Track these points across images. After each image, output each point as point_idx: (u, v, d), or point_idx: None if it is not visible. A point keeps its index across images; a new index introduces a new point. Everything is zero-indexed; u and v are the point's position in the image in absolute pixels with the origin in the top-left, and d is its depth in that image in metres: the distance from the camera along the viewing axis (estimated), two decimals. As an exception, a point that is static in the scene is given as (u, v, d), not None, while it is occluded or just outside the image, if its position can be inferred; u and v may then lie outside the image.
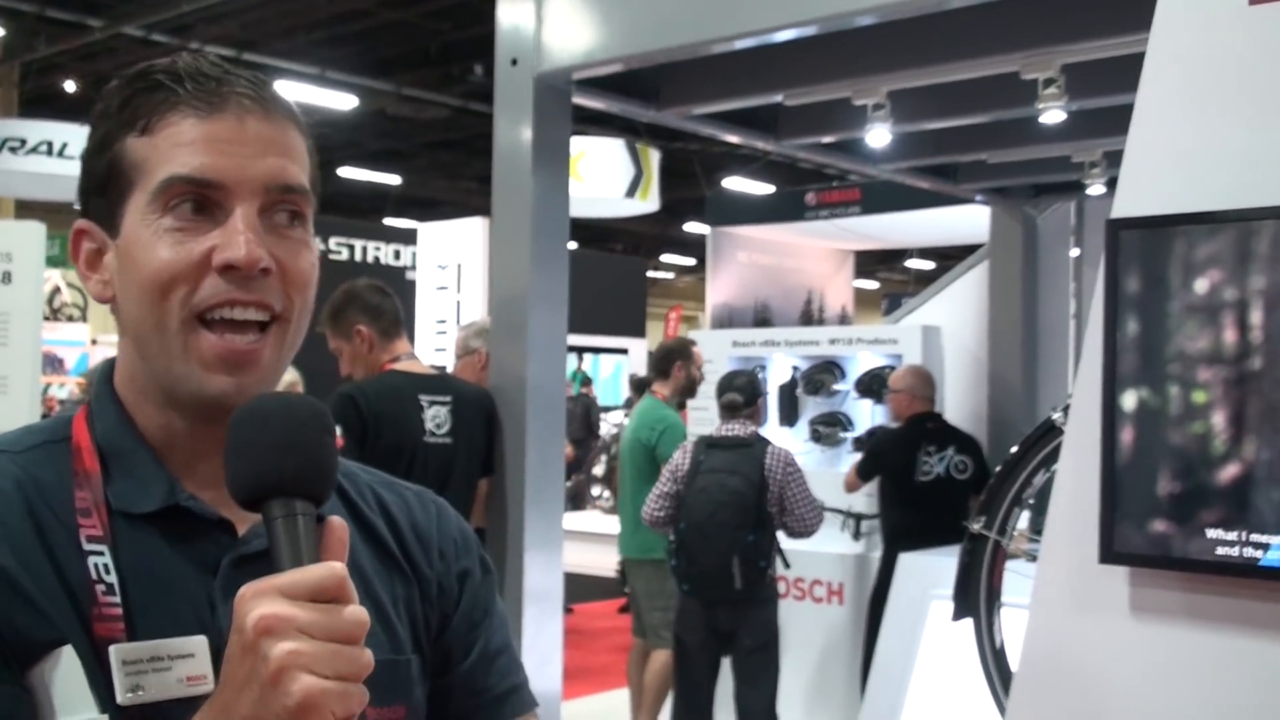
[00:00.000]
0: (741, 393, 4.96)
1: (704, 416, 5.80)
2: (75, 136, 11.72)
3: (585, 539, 11.24)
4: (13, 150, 12.07)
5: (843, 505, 6.02)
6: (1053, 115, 4.00)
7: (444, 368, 5.38)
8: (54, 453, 1.03)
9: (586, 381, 14.66)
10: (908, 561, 4.84)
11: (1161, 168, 2.08)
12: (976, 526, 3.40)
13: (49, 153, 12.04)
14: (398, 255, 12.71)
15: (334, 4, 11.93)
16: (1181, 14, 2.06)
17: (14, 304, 5.11)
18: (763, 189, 14.73)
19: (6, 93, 14.21)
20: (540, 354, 3.72)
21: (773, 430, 6.38)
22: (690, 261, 25.88)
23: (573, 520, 9.23)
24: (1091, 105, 4.08)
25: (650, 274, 22.86)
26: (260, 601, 0.83)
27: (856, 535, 6.08)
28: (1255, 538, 1.90)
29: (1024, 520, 3.54)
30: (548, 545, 3.74)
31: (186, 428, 1.03)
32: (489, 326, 4.12)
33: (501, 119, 3.73)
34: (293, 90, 13.08)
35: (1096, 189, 5.27)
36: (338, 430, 1.05)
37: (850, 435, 6.48)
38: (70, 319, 16.25)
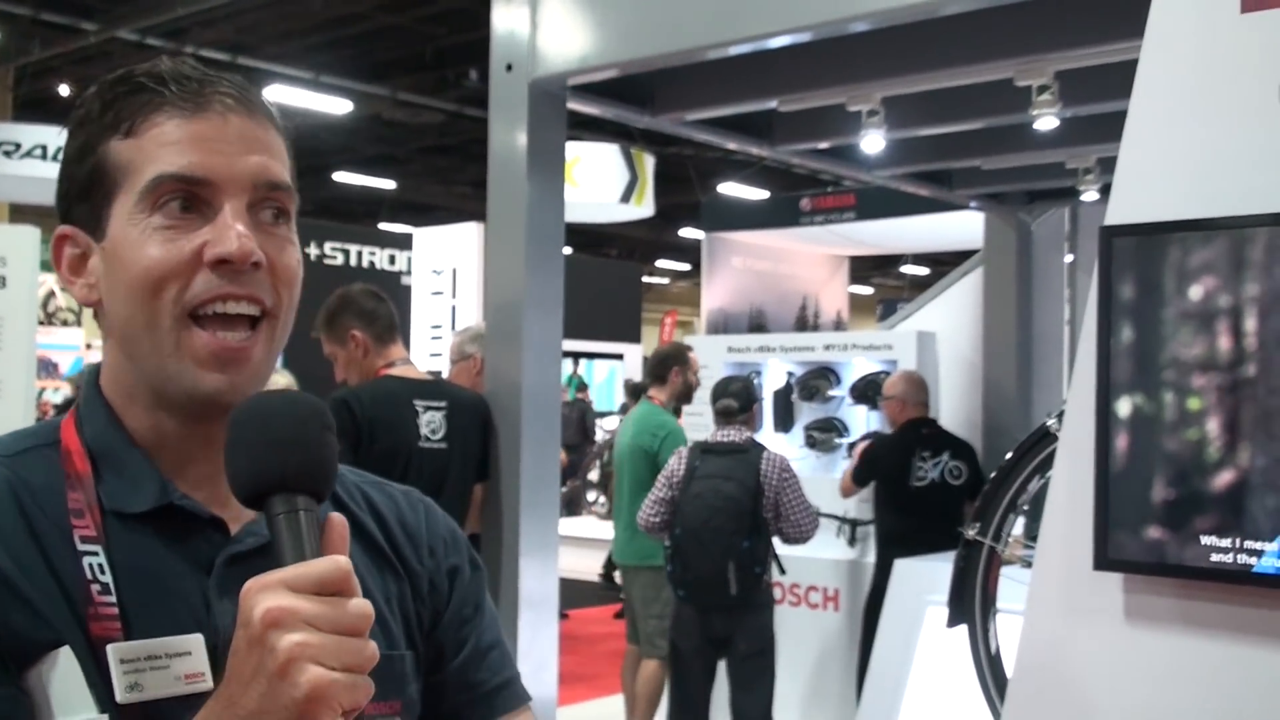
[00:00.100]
0: (737, 398, 4.96)
1: (699, 422, 5.80)
2: (70, 141, 11.66)
3: (580, 544, 11.24)
4: (7, 154, 12.06)
5: (838, 511, 6.02)
6: (1047, 122, 4.01)
7: (439, 373, 5.38)
8: (43, 456, 1.03)
9: (582, 387, 14.65)
10: (903, 567, 4.84)
11: (1155, 175, 2.08)
12: (971, 532, 3.40)
13: (43, 157, 12.03)
14: (393, 260, 12.72)
15: (329, 8, 11.93)
16: (1175, 21, 2.07)
17: (8, 308, 5.11)
18: (757, 194, 14.76)
19: (1, 97, 14.20)
20: (535, 359, 3.72)
21: (768, 436, 6.38)
22: (685, 267, 25.89)
23: (568, 526, 9.22)
24: (1085, 112, 4.10)
25: (645, 279, 22.87)
26: (266, 595, 0.84)
27: (852, 541, 6.08)
28: (1249, 544, 1.90)
29: (1019, 526, 3.54)
30: (543, 551, 3.74)
31: (177, 427, 1.04)
32: (484, 332, 4.12)
33: (496, 124, 3.73)
34: (287, 94, 13.07)
35: (1090, 195, 5.28)
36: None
37: (845, 441, 6.49)
38: (65, 323, 16.24)
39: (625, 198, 12.62)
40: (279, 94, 12.99)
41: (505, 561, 3.69)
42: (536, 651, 3.68)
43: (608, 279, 16.57)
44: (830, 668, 5.96)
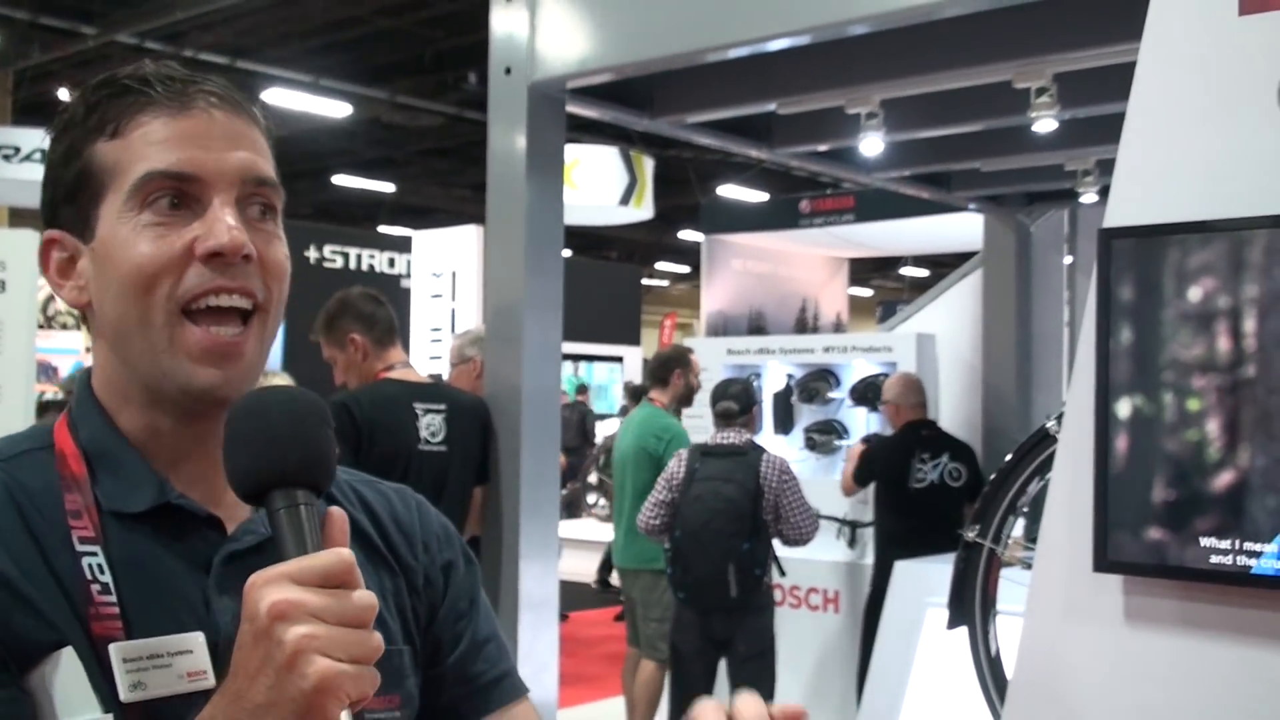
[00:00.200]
0: (736, 401, 4.96)
1: (699, 425, 5.80)
2: (69, 144, 11.66)
3: (580, 547, 11.23)
4: (6, 158, 12.05)
5: (838, 513, 6.02)
6: (1045, 124, 4.02)
7: (439, 376, 5.38)
8: (38, 459, 1.04)
9: (583, 389, 14.64)
10: (903, 569, 4.84)
11: (1153, 177, 2.08)
12: (971, 534, 3.40)
13: (43, 161, 11.99)
14: (392, 263, 12.71)
15: (328, 12, 11.93)
16: (1173, 23, 2.07)
17: (8, 312, 5.10)
18: (757, 197, 14.77)
19: (0, 100, 14.20)
20: (535, 362, 3.72)
21: (768, 438, 6.38)
22: (685, 269, 25.89)
23: (568, 528, 9.23)
24: (1084, 114, 4.10)
25: (645, 282, 22.86)
26: (272, 588, 0.84)
27: (852, 543, 6.08)
28: (1249, 546, 1.90)
29: (1019, 528, 3.55)
30: (543, 553, 3.74)
31: (171, 425, 1.04)
32: (484, 335, 4.12)
33: (495, 127, 3.74)
34: (287, 98, 13.06)
35: (1089, 197, 5.28)
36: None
37: (845, 443, 6.49)
38: (64, 327, 16.22)
39: (624, 200, 12.61)
40: (278, 97, 12.99)
41: (505, 564, 3.69)
42: (537, 653, 3.68)
43: (607, 281, 16.57)
44: (830, 669, 5.96)
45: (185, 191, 1.01)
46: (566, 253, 4.11)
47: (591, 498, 13.66)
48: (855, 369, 6.49)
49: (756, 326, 12.40)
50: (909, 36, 3.50)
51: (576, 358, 15.48)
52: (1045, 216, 6.20)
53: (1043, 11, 3.32)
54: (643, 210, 12.97)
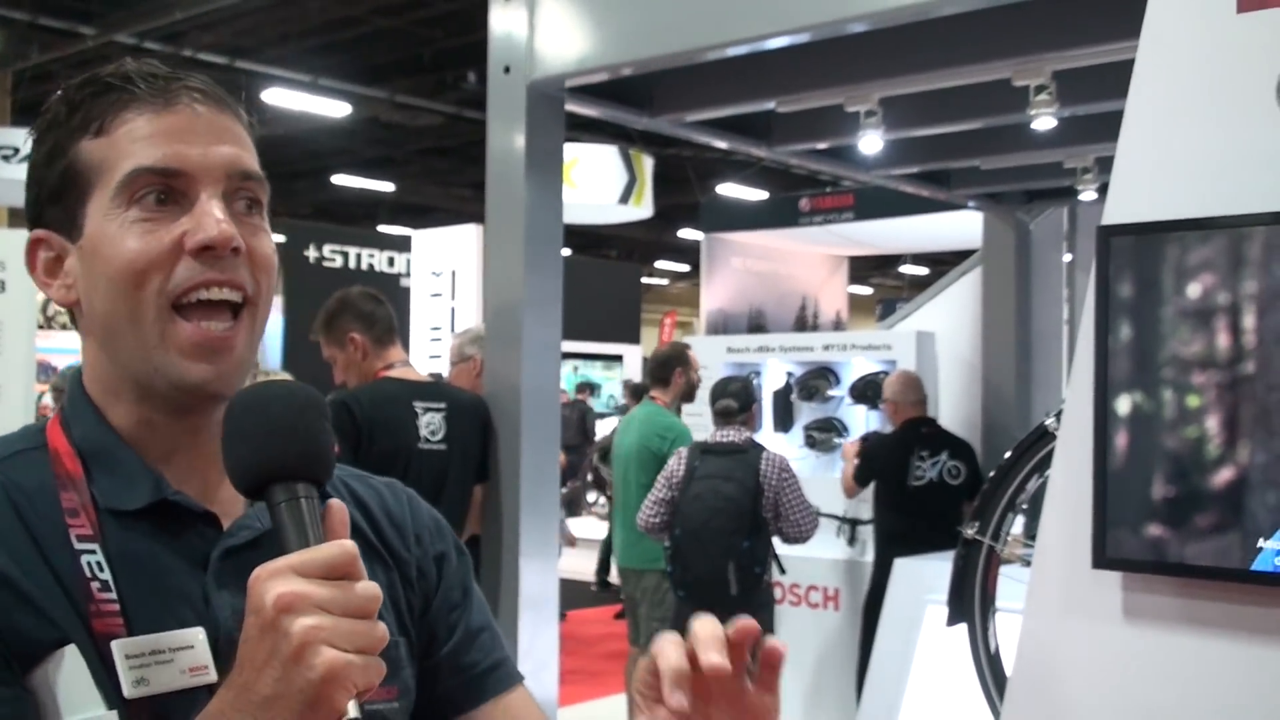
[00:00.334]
0: (736, 399, 4.96)
1: (699, 422, 5.80)
2: (68, 145, 11.66)
3: (580, 545, 11.23)
4: (5, 159, 12.04)
5: (838, 511, 6.02)
6: (1044, 121, 4.02)
7: (439, 375, 5.38)
8: (32, 459, 1.04)
9: (583, 387, 14.64)
10: (903, 566, 4.85)
11: (1152, 174, 2.09)
12: (970, 532, 3.41)
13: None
14: (392, 262, 12.71)
15: (327, 11, 11.93)
16: (1171, 21, 2.07)
17: (8, 312, 5.11)
18: (756, 195, 14.77)
19: (-1, 101, 14.20)
20: (534, 361, 3.72)
21: (767, 436, 6.38)
22: (684, 268, 25.89)
23: (568, 526, 9.23)
24: (1083, 111, 4.10)
25: (645, 280, 22.86)
26: (277, 581, 0.85)
27: (851, 540, 6.09)
28: (1248, 542, 1.91)
29: (1018, 525, 3.55)
30: (543, 552, 3.74)
31: (163, 421, 1.04)
32: (483, 333, 4.12)
33: (495, 126, 3.74)
34: (286, 98, 13.06)
35: (1089, 194, 5.28)
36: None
37: (844, 441, 6.49)
38: (64, 327, 16.22)
39: (624, 199, 12.62)
40: (277, 97, 12.99)
41: (505, 563, 3.69)
42: (537, 652, 3.68)
43: (607, 280, 16.57)
44: (830, 667, 5.97)
45: (172, 187, 1.01)
46: (566, 251, 4.11)
47: (591, 496, 13.66)
48: (855, 367, 6.49)
49: (756, 325, 12.40)
50: (908, 34, 3.50)
51: (576, 356, 15.47)
52: (1044, 214, 6.20)
53: (1041, 9, 3.32)
54: (642, 209, 12.98)
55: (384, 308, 3.99)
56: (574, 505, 13.05)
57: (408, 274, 11.20)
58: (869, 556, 5.81)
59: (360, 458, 3.61)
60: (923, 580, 4.59)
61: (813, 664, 6.02)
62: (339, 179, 18.36)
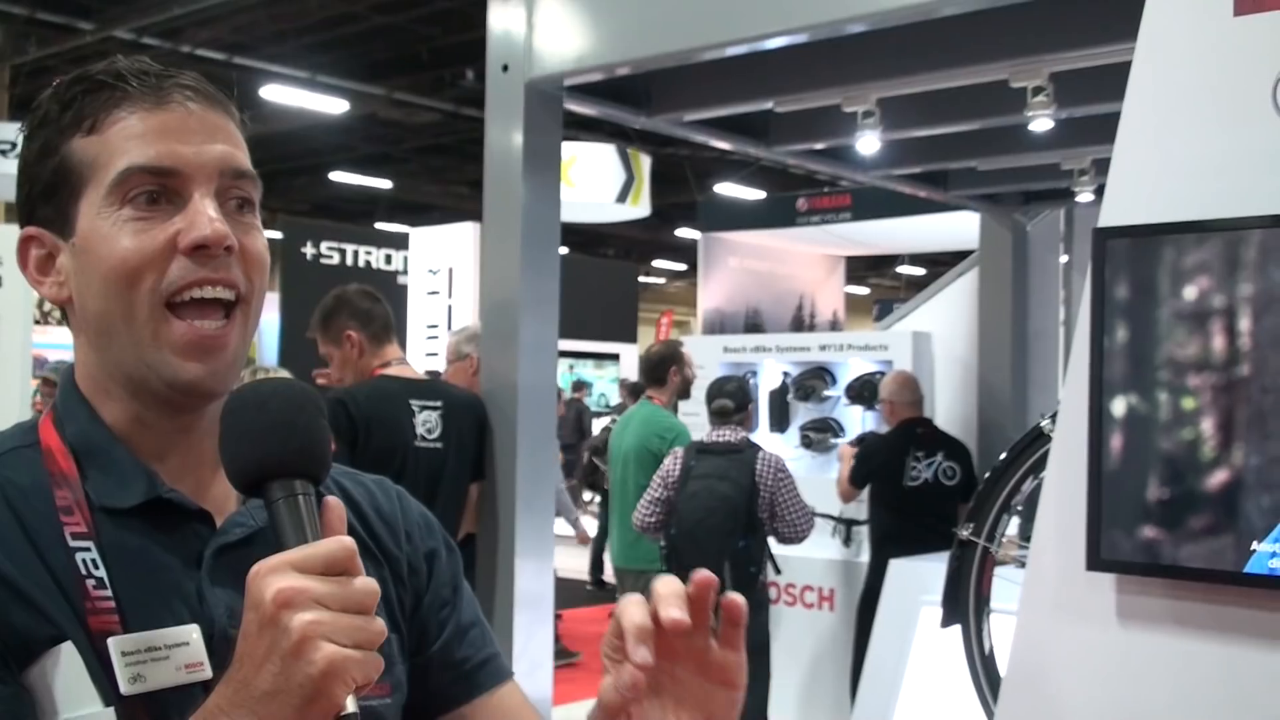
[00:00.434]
0: (732, 398, 4.96)
1: (695, 422, 5.81)
2: (66, 140, 11.66)
3: (575, 544, 11.21)
4: (3, 153, 12.03)
5: (834, 511, 6.03)
6: (1042, 123, 4.02)
7: (436, 373, 5.38)
8: (25, 457, 1.04)
9: (579, 386, 14.63)
10: (898, 567, 4.85)
11: (1148, 177, 2.09)
12: (965, 533, 3.41)
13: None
14: (389, 260, 12.69)
15: (325, 8, 11.92)
16: (1168, 23, 2.08)
17: (4, 307, 5.10)
18: (754, 194, 14.77)
19: (-3, 96, 14.19)
20: (531, 359, 3.72)
21: (763, 436, 6.38)
22: (682, 267, 25.89)
23: (563, 525, 9.22)
24: (1080, 113, 4.10)
25: (642, 279, 22.84)
26: (277, 576, 0.85)
27: (847, 541, 6.09)
28: (1241, 544, 1.91)
29: (1013, 527, 3.55)
30: (539, 550, 3.74)
31: (155, 418, 1.05)
32: (480, 332, 4.12)
33: (492, 124, 3.74)
34: (284, 94, 13.05)
35: (1085, 196, 5.29)
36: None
37: (840, 441, 6.50)
38: (59, 322, 16.21)
39: (621, 198, 12.61)
40: (275, 94, 12.97)
41: (501, 561, 3.69)
42: (532, 651, 3.69)
43: (604, 279, 16.54)
44: (825, 667, 5.97)
45: (165, 186, 1.01)
46: (563, 250, 4.11)
47: (588, 495, 13.65)
48: (851, 367, 6.49)
49: (753, 324, 12.40)
50: (906, 35, 3.50)
51: (573, 355, 15.46)
52: (1041, 215, 6.20)
53: (1039, 11, 3.33)
54: (640, 208, 12.98)
55: (381, 305, 3.99)
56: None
57: (405, 271, 11.19)
58: (864, 557, 5.82)
59: (357, 455, 3.61)
60: (918, 581, 4.59)
61: (808, 664, 6.03)
62: (336, 176, 18.35)
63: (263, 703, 0.85)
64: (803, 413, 6.67)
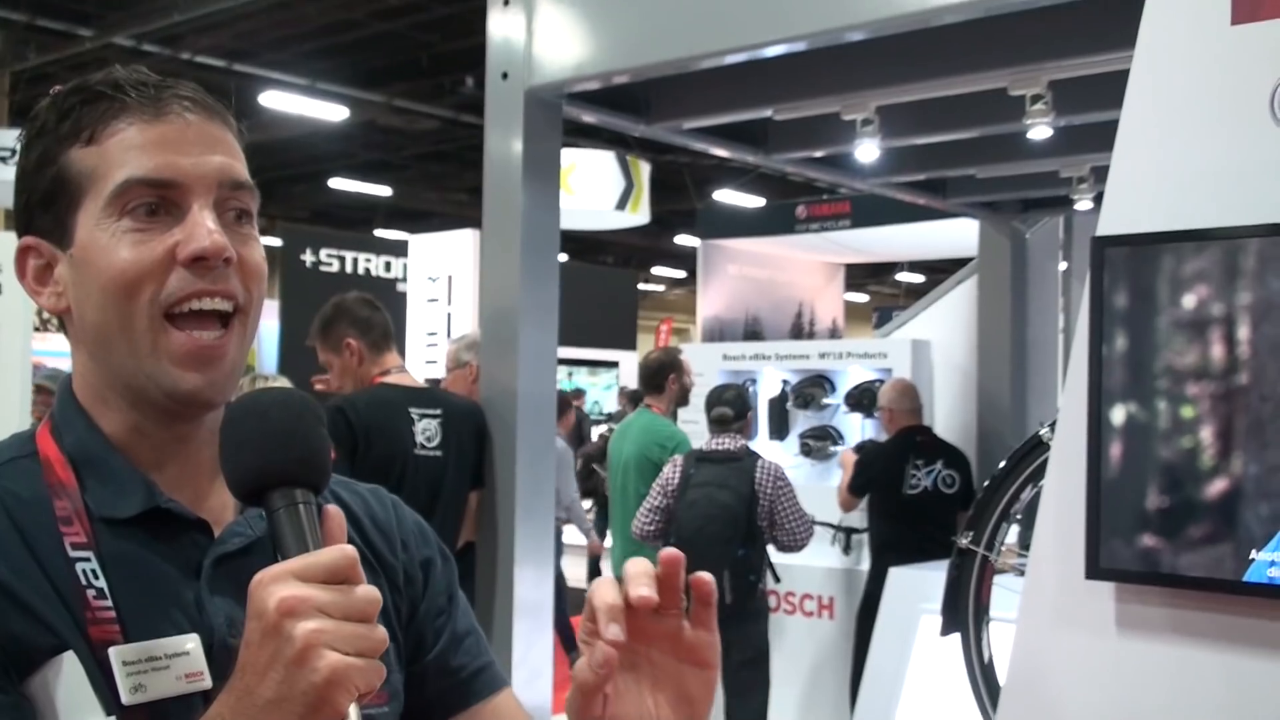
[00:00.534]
0: (731, 406, 4.96)
1: (694, 430, 5.80)
2: (66, 147, 11.67)
3: (576, 551, 11.21)
4: (2, 160, 12.04)
5: (833, 519, 6.02)
6: (1040, 131, 4.02)
7: (436, 381, 5.37)
8: (23, 467, 1.04)
9: (578, 394, 14.62)
10: (897, 575, 4.85)
11: (1146, 185, 2.09)
12: (965, 541, 3.41)
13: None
14: (388, 267, 12.69)
15: (325, 15, 11.93)
16: (1166, 32, 2.08)
17: (4, 314, 5.10)
18: (753, 202, 14.76)
19: (-4, 103, 14.19)
20: (530, 367, 3.72)
21: (763, 444, 6.38)
22: (681, 274, 25.89)
23: (575, 534, 9.21)
24: (1079, 121, 4.11)
25: (641, 286, 22.86)
26: (279, 585, 0.86)
27: (846, 549, 6.08)
28: (1240, 553, 1.91)
29: (1012, 535, 3.55)
30: (538, 558, 3.74)
31: (153, 428, 1.05)
32: (480, 339, 4.12)
33: (492, 132, 3.74)
34: (283, 101, 13.05)
35: (1084, 204, 5.29)
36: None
37: (840, 449, 6.49)
38: (60, 329, 16.18)
39: (621, 205, 12.62)
40: (275, 100, 12.98)
41: (500, 569, 3.69)
42: (532, 659, 3.68)
43: (603, 286, 16.53)
44: (825, 675, 5.96)
45: (164, 197, 1.02)
46: (563, 257, 4.11)
47: (587, 503, 13.64)
48: (851, 375, 6.49)
49: (753, 332, 12.40)
50: (905, 43, 3.51)
51: (572, 363, 15.46)
52: (1040, 223, 6.21)
53: (1038, 19, 3.33)
54: (639, 215, 12.98)
55: (380, 313, 3.99)
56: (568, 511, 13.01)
57: (404, 279, 11.19)
58: (864, 565, 5.81)
59: (356, 463, 3.61)
60: (917, 589, 4.59)
61: (807, 672, 6.02)
62: (336, 183, 18.35)
63: (266, 711, 0.85)
64: (802, 421, 6.67)
